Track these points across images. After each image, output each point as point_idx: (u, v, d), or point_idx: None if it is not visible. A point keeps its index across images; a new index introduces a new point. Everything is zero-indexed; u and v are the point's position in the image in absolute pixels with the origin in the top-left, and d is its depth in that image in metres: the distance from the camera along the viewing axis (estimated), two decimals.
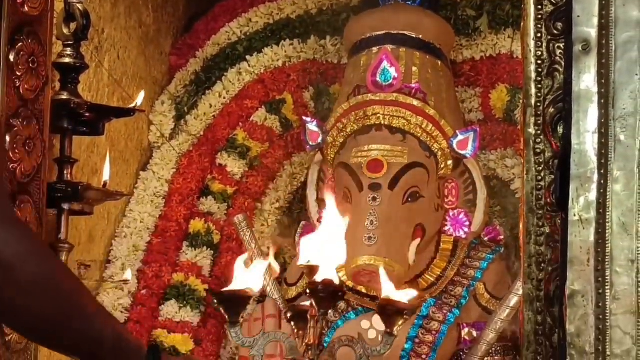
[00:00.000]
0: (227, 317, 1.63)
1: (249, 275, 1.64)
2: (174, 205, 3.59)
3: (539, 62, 1.57)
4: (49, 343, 1.34)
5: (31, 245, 1.26)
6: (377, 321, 3.17)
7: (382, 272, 1.72)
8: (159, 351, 1.45)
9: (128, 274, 3.17)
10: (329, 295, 1.60)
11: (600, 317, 1.47)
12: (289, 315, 1.69)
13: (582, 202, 1.50)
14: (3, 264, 1.22)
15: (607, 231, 1.49)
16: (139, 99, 2.84)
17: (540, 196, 1.57)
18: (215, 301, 1.67)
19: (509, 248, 3.35)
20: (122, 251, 3.53)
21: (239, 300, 1.62)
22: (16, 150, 2.16)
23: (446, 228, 3.23)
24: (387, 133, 3.14)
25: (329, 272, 1.59)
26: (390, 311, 1.71)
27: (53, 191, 2.57)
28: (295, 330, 1.65)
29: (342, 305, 3.22)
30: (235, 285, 1.61)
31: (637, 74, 1.50)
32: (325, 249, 1.61)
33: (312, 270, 1.60)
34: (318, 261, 1.60)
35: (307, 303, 1.65)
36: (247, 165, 3.67)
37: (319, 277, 1.58)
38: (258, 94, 3.70)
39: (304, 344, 1.63)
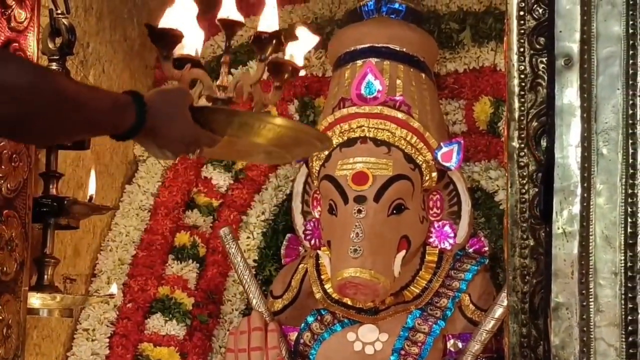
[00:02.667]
0: (160, 52, 1.87)
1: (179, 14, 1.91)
2: (159, 219, 3.59)
3: (522, 76, 1.59)
4: (63, 139, 1.74)
5: (35, 71, 1.48)
6: (363, 333, 3.18)
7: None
8: (141, 97, 1.70)
9: (114, 288, 3.18)
10: (273, 41, 1.95)
11: (585, 329, 1.49)
12: (188, 64, 1.97)
13: (565, 215, 1.52)
14: (23, 90, 1.42)
15: (590, 244, 1.50)
16: None
17: (524, 209, 1.58)
18: (150, 38, 1.93)
19: (493, 259, 3.36)
20: (107, 265, 3.53)
21: (172, 38, 1.87)
22: (2, 166, 2.17)
23: (431, 240, 3.24)
24: (371, 145, 3.15)
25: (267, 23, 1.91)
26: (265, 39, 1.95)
27: (39, 206, 2.58)
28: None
29: (327, 317, 3.22)
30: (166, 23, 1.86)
31: (618, 89, 1.52)
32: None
33: (232, 24, 1.89)
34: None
35: None
36: (232, 178, 3.67)
37: (262, 28, 1.94)
38: (242, 106, 3.70)
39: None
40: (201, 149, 1.88)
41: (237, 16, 1.87)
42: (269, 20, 1.89)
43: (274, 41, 1.89)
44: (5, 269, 2.18)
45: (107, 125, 1.65)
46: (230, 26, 1.86)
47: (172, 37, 1.88)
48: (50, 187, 2.71)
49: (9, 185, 2.20)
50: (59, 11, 2.58)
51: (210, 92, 1.92)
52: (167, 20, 1.91)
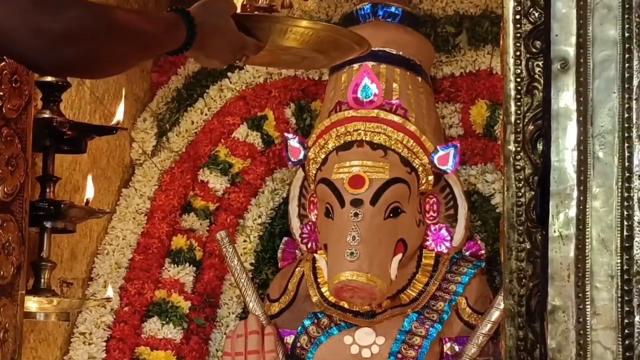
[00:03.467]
0: None
1: None
2: (156, 222, 3.59)
3: (518, 80, 1.59)
4: (134, 64, 1.78)
5: (96, 9, 1.57)
6: (360, 336, 3.18)
7: None
8: (188, 12, 1.80)
9: (110, 292, 3.18)
10: None
11: (581, 332, 1.49)
12: None
13: (562, 219, 1.52)
14: (90, 31, 1.53)
15: (586, 247, 1.51)
16: (119, 112, 2.85)
17: (520, 212, 1.59)
18: None
19: (490, 262, 3.36)
20: (104, 268, 3.52)
21: None
22: None
23: (427, 243, 3.25)
24: (368, 149, 3.15)
25: None
26: None
27: (35, 209, 2.58)
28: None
29: (324, 321, 3.22)
30: None
31: (614, 92, 1.52)
32: None
33: None
34: None
35: None
36: (229, 182, 3.68)
37: None
38: (239, 110, 3.71)
39: None
40: (247, 56, 1.97)
41: None
42: None
43: None
44: (2, 272, 2.18)
45: (164, 45, 1.77)
46: None
47: None
48: (47, 190, 2.71)
49: (5, 189, 2.21)
50: None
51: (252, 1, 2.00)
52: None
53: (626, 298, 1.49)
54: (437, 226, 3.25)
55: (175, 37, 1.77)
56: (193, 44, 1.80)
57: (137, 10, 1.82)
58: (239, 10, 2.06)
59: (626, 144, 1.51)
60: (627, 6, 1.53)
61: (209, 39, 1.84)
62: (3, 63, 2.19)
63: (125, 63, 1.70)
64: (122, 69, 1.77)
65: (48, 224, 2.68)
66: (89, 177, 2.95)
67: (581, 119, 1.53)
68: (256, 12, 2.07)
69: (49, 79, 2.57)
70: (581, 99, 1.53)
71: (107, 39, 1.57)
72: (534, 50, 1.59)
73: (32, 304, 2.61)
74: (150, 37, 1.69)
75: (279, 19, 1.99)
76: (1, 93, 2.18)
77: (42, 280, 2.71)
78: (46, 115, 2.61)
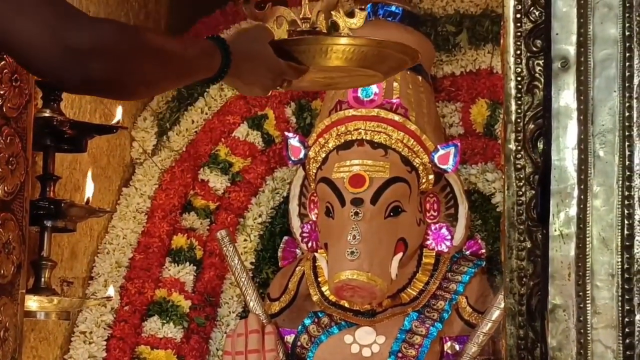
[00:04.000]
0: None
1: None
2: (156, 221, 3.59)
3: (519, 78, 1.59)
4: (164, 88, 1.79)
5: (125, 28, 1.57)
6: (360, 336, 3.18)
7: None
8: (223, 39, 1.78)
9: (111, 291, 3.18)
10: None
11: (582, 331, 1.49)
12: (269, 2, 1.96)
13: (562, 218, 1.52)
14: (119, 53, 1.49)
15: (587, 246, 1.51)
16: (118, 114, 2.85)
17: (521, 211, 1.58)
18: None
19: (490, 262, 3.36)
20: (104, 268, 3.53)
21: None
22: None
23: (428, 242, 3.25)
24: (368, 148, 3.15)
25: None
26: None
27: (36, 208, 2.58)
28: None
29: (325, 320, 3.22)
30: None
31: (615, 91, 1.52)
32: None
33: None
34: None
35: None
36: (229, 181, 3.68)
37: None
38: (240, 109, 3.71)
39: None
40: (289, 82, 1.94)
41: None
42: None
43: None
44: (2, 271, 2.18)
45: (197, 71, 1.74)
46: None
47: None
48: (47, 189, 2.71)
49: (6, 188, 2.20)
50: None
51: (295, 26, 1.93)
52: None
53: (627, 297, 1.49)
54: (437, 225, 3.25)
55: (209, 63, 1.74)
56: (228, 71, 1.77)
57: (171, 36, 1.77)
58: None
59: (627, 143, 1.51)
60: (627, 5, 1.53)
61: (245, 66, 1.81)
62: (3, 62, 2.19)
63: (155, 86, 1.67)
64: (152, 92, 1.74)
65: (48, 223, 2.68)
66: (89, 174, 2.94)
67: (582, 117, 1.53)
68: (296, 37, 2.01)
69: None
70: (582, 97, 1.53)
71: (136, 58, 1.53)
72: (534, 49, 1.59)
73: (32, 303, 2.61)
74: (182, 61, 1.66)
75: (317, 39, 1.93)
76: (2, 92, 2.18)
77: (43, 279, 2.71)
78: (46, 114, 2.61)
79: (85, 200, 2.89)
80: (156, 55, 1.58)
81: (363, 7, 2.02)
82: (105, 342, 3.46)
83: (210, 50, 1.74)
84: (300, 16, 1.93)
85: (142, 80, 1.58)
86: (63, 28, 1.42)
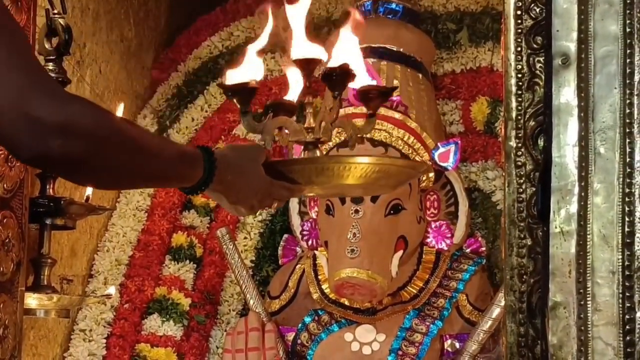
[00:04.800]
0: (239, 106, 1.78)
1: (248, 68, 1.81)
2: (156, 219, 3.59)
3: (519, 75, 1.59)
4: (132, 185, 1.65)
5: (99, 111, 1.45)
6: (360, 334, 3.17)
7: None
8: (211, 150, 1.67)
9: (111, 289, 3.17)
10: (344, 77, 1.75)
11: (582, 328, 1.49)
12: (269, 109, 1.82)
13: (563, 215, 1.52)
14: (86, 133, 1.40)
15: (588, 243, 1.50)
16: (119, 111, 2.85)
17: (521, 208, 1.58)
18: (229, 93, 1.83)
19: (490, 259, 3.36)
20: (104, 265, 3.52)
21: (246, 91, 1.77)
22: None
23: (428, 240, 3.24)
24: (368, 146, 3.15)
25: (338, 58, 1.73)
26: (372, 94, 1.81)
27: (35, 206, 2.57)
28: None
29: (325, 318, 3.22)
30: (240, 78, 1.77)
31: (615, 88, 1.52)
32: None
33: (309, 63, 1.73)
34: (316, 55, 1.73)
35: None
36: None
37: (334, 63, 1.73)
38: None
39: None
40: (279, 202, 1.84)
41: (313, 52, 1.75)
42: (342, 56, 1.76)
43: (347, 76, 1.75)
44: (1, 269, 2.18)
45: (173, 178, 1.63)
46: (307, 64, 1.75)
47: (250, 91, 1.78)
48: (47, 187, 2.71)
49: (5, 186, 2.20)
50: (55, 11, 2.57)
51: (298, 136, 1.81)
52: (237, 76, 1.81)
53: (627, 294, 1.48)
54: (437, 223, 3.25)
55: (188, 172, 1.63)
56: (210, 184, 1.66)
57: (152, 132, 1.66)
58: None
59: (627, 140, 1.51)
60: (628, 1, 1.53)
61: (231, 183, 1.70)
62: None
63: (120, 179, 1.54)
64: (116, 185, 1.60)
65: (48, 221, 2.67)
66: None
67: (582, 114, 1.52)
68: (304, 148, 1.85)
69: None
70: (582, 94, 1.53)
71: (105, 144, 1.43)
72: (535, 46, 1.59)
73: (32, 300, 2.61)
74: (156, 160, 1.54)
75: (312, 159, 1.80)
76: None
77: (42, 277, 2.70)
78: None
79: (85, 197, 2.89)
80: (128, 147, 1.47)
81: (372, 112, 1.86)
82: (105, 340, 3.46)
83: (192, 159, 1.63)
84: (305, 125, 1.77)
85: (107, 168, 1.47)
86: (30, 96, 1.35)
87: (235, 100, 1.79)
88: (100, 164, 1.45)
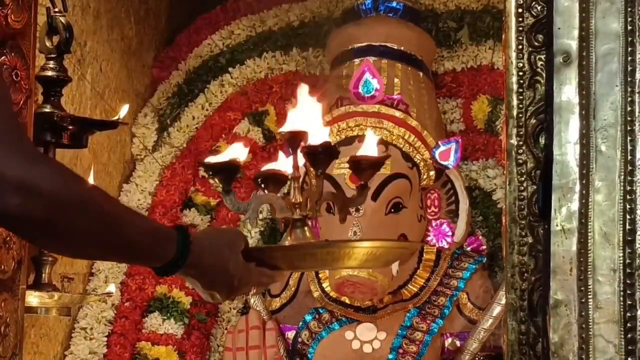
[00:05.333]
0: (221, 186, 1.72)
1: (234, 148, 1.74)
2: (157, 218, 3.59)
3: (521, 73, 1.59)
4: (99, 256, 1.54)
5: (65, 175, 1.38)
6: (361, 332, 3.17)
7: (370, 135, 1.79)
8: (187, 231, 1.57)
9: (111, 287, 3.17)
10: (327, 155, 1.69)
11: (583, 326, 1.49)
12: (259, 181, 1.76)
13: (564, 212, 1.52)
14: (47, 195, 1.33)
15: (589, 241, 1.50)
16: (123, 112, 2.85)
17: (522, 206, 1.58)
18: (210, 173, 1.78)
19: (491, 258, 3.36)
20: (105, 264, 3.52)
21: (229, 170, 1.71)
22: None
23: (429, 238, 3.24)
24: None
25: (320, 135, 1.67)
26: (364, 165, 1.76)
27: None
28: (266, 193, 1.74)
29: (325, 316, 3.22)
30: (223, 157, 1.71)
31: (617, 85, 1.52)
32: (307, 119, 1.67)
33: (295, 137, 1.65)
34: (304, 127, 1.65)
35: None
36: None
37: (315, 141, 1.66)
38: (241, 105, 3.70)
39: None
40: (259, 287, 1.79)
41: (301, 125, 1.67)
42: (320, 135, 1.69)
43: (330, 154, 1.68)
44: (3, 267, 2.18)
45: (142, 252, 1.53)
46: (294, 138, 1.70)
47: (232, 170, 1.72)
48: None
49: None
50: (56, 9, 2.57)
51: (285, 213, 1.73)
52: (221, 156, 1.75)
53: (628, 292, 1.48)
54: (438, 221, 3.25)
55: (158, 250, 1.53)
56: (182, 267, 1.55)
57: (120, 202, 1.54)
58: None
59: (629, 138, 1.51)
60: None
61: (206, 268, 1.60)
62: (3, 57, 2.18)
63: (81, 246, 1.44)
64: (76, 253, 1.51)
65: None
66: (92, 172, 2.94)
67: (584, 112, 1.52)
68: (291, 226, 1.75)
69: (49, 73, 2.56)
70: (584, 92, 1.53)
71: (68, 210, 1.35)
72: (536, 43, 1.59)
73: (33, 298, 2.60)
74: (122, 232, 1.45)
75: (296, 247, 1.71)
76: None
77: (43, 275, 2.70)
78: (47, 110, 2.60)
79: None
80: (94, 215, 1.39)
81: (364, 182, 1.81)
82: (105, 338, 3.46)
83: (165, 237, 1.53)
84: (293, 201, 1.68)
85: (69, 235, 1.38)
86: None
87: (216, 180, 1.74)
88: (62, 230, 1.37)
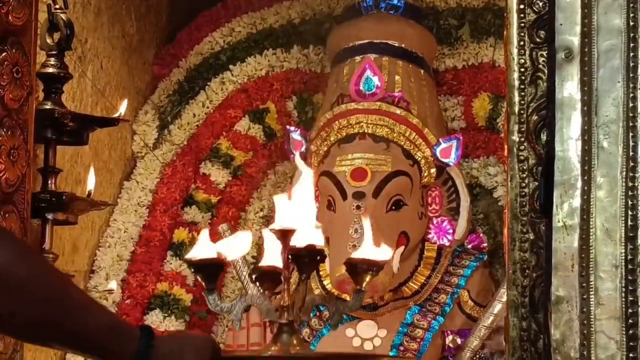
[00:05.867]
0: (204, 284, 1.62)
1: (222, 244, 1.63)
2: (157, 215, 3.59)
3: (522, 70, 1.58)
4: (45, 342, 1.41)
5: (17, 250, 1.30)
6: (362, 329, 3.17)
7: (367, 225, 1.69)
8: (152, 332, 1.47)
9: (112, 284, 3.17)
10: (312, 260, 1.59)
11: (585, 322, 1.48)
12: (254, 276, 1.67)
13: (566, 209, 1.51)
14: (11, 269, 1.26)
15: (590, 237, 1.50)
16: (122, 108, 2.84)
17: (524, 203, 1.58)
18: (192, 270, 1.68)
19: (492, 255, 3.36)
20: (106, 261, 3.52)
21: (214, 268, 1.61)
22: (0, 160, 2.16)
23: (430, 236, 3.24)
24: (370, 142, 3.15)
25: (308, 236, 1.57)
26: (360, 268, 1.67)
27: (37, 201, 2.57)
28: (262, 291, 1.65)
29: (326, 313, 3.22)
30: (207, 253, 1.60)
31: (619, 82, 1.52)
32: (299, 215, 1.58)
33: (285, 234, 1.57)
34: (294, 225, 1.57)
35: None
36: (230, 175, 3.67)
37: (300, 242, 1.56)
38: (241, 103, 3.70)
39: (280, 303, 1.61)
40: None
41: (291, 223, 1.58)
42: (306, 236, 1.61)
43: (315, 258, 1.60)
44: None
45: (98, 344, 1.41)
46: (284, 235, 1.58)
47: (216, 267, 1.62)
48: (49, 182, 2.70)
49: (7, 181, 2.20)
50: (57, 6, 2.57)
51: (271, 316, 1.65)
52: (204, 250, 1.64)
53: (630, 288, 1.48)
54: (439, 219, 3.25)
55: (111, 346, 1.42)
56: None
57: (83, 294, 1.46)
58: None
59: (631, 134, 1.51)
60: None
61: None
62: (4, 54, 2.18)
63: (27, 330, 1.35)
64: (23, 337, 1.44)
65: (50, 216, 2.66)
66: (92, 169, 2.94)
67: (585, 108, 1.52)
68: (278, 329, 1.66)
69: (50, 70, 2.56)
70: (585, 88, 1.52)
71: (16, 293, 1.27)
72: (538, 40, 1.59)
73: None
74: (76, 317, 1.36)
75: (267, 358, 1.63)
76: (3, 84, 2.17)
77: None
78: (48, 107, 2.60)
79: (86, 193, 2.88)
80: (44, 296, 1.31)
81: (359, 287, 1.71)
82: None
83: (125, 335, 1.43)
84: (281, 304, 1.60)
85: (15, 317, 1.30)
86: None
87: (199, 278, 1.63)
88: (7, 312, 1.29)
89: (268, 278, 1.64)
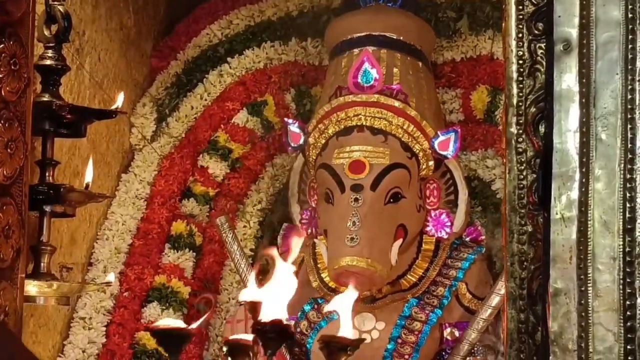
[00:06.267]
0: (168, 356, 1.55)
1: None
2: (155, 208, 3.59)
3: (521, 62, 1.58)
4: None
5: None
6: (360, 322, 3.17)
7: (353, 295, 1.65)
8: None
9: (110, 277, 3.17)
10: (277, 335, 1.53)
11: (583, 314, 1.49)
12: (224, 349, 1.60)
13: (564, 201, 1.52)
14: None
15: (589, 229, 1.50)
16: (119, 100, 2.84)
17: (522, 195, 1.58)
18: (155, 339, 1.59)
19: (490, 248, 3.36)
20: (104, 253, 3.52)
21: (178, 337, 1.56)
22: None
23: (428, 228, 3.24)
24: (368, 134, 3.15)
25: (276, 310, 1.54)
26: (333, 347, 1.61)
27: (35, 193, 2.56)
28: None
29: (324, 306, 3.22)
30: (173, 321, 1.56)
31: (617, 74, 1.51)
32: (271, 289, 1.55)
33: (254, 307, 1.54)
34: (261, 297, 1.53)
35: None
36: (228, 167, 3.67)
37: (267, 316, 1.53)
38: (239, 95, 3.70)
39: None
40: None
41: (260, 295, 1.58)
42: (274, 311, 1.57)
43: (281, 334, 1.54)
44: (2, 255, 2.18)
45: None
46: (253, 310, 1.56)
47: (181, 337, 1.60)
48: (47, 174, 2.70)
49: (5, 173, 2.19)
50: None
51: None
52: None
53: (628, 280, 1.48)
54: (437, 212, 3.25)
55: None
56: None
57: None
58: None
59: (629, 126, 1.51)
60: None
61: None
62: (2, 45, 2.18)
63: None
64: None
65: (47, 208, 2.66)
66: (90, 162, 2.93)
67: (584, 100, 1.52)
68: None
69: (48, 62, 2.56)
70: (584, 80, 1.52)
71: None
72: (536, 32, 1.59)
73: (32, 287, 2.60)
74: None
75: None
76: (0, 76, 2.17)
77: (42, 264, 2.69)
78: (45, 99, 2.60)
79: (84, 185, 2.88)
80: None
81: None
82: (104, 328, 3.46)
83: None
84: None
85: None
86: None
87: (162, 349, 1.57)
88: None
89: (238, 351, 1.58)
